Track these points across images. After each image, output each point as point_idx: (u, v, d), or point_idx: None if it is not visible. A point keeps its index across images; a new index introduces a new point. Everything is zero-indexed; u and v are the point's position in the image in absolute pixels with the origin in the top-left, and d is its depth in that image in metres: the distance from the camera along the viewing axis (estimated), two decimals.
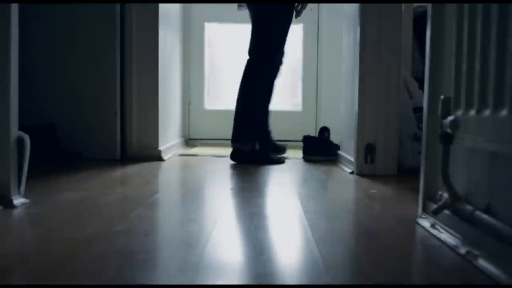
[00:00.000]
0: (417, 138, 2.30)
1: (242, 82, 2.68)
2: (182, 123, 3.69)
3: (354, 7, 2.38)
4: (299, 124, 2.96)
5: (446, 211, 1.19)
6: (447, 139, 1.14)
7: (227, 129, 3.58)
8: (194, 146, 3.69)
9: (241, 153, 2.66)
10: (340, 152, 2.73)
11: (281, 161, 2.74)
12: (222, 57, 3.92)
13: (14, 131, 1.47)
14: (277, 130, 3.42)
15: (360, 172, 2.27)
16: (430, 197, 1.33)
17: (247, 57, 2.72)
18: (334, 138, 2.91)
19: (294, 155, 3.02)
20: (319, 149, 2.86)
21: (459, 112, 1.10)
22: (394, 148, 2.27)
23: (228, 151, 3.18)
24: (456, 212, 1.14)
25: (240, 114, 2.69)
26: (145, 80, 2.73)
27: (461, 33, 1.11)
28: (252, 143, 2.67)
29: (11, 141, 1.45)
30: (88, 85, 2.65)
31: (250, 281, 0.91)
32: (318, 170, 2.48)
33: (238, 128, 2.69)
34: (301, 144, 2.94)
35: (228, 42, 3.89)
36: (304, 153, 2.89)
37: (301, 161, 2.84)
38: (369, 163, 2.26)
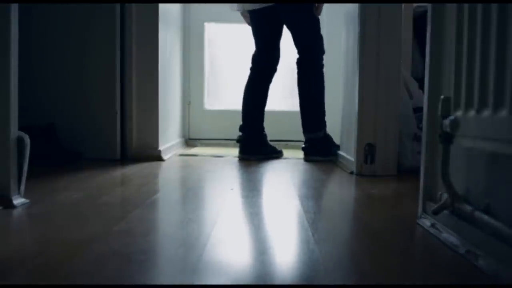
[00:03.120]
0: (417, 138, 2.30)
1: (308, 83, 2.88)
2: (182, 123, 3.69)
3: (354, 7, 2.38)
4: (299, 124, 2.96)
5: (446, 211, 1.19)
6: (447, 139, 1.14)
7: (227, 129, 3.60)
8: (194, 146, 3.69)
9: (315, 142, 2.86)
10: (340, 152, 2.73)
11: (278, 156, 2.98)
12: (222, 57, 3.92)
13: (14, 131, 1.46)
14: (277, 130, 3.43)
15: (360, 172, 2.26)
16: (430, 197, 1.33)
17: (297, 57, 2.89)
18: (334, 138, 2.91)
19: (294, 155, 3.02)
20: (319, 149, 2.86)
21: (459, 112, 1.10)
22: (394, 148, 2.27)
23: (228, 151, 3.19)
24: (456, 212, 1.14)
25: (311, 109, 2.89)
26: (145, 80, 2.73)
27: (461, 33, 1.11)
28: (324, 130, 2.90)
29: (11, 141, 1.45)
30: (88, 85, 2.65)
31: (249, 281, 0.90)
32: (318, 170, 2.48)
33: (311, 119, 2.89)
34: (301, 144, 2.94)
35: (228, 42, 3.89)
36: (305, 153, 2.89)
37: (301, 161, 2.84)
38: (369, 163, 2.26)
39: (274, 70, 2.98)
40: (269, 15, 2.86)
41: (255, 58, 2.98)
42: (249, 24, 3.00)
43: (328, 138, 2.89)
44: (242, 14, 3.01)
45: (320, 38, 2.86)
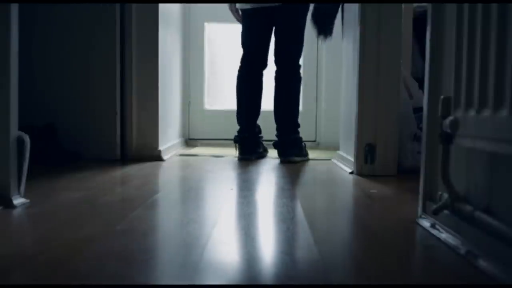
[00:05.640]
0: (417, 138, 2.30)
1: (289, 87, 2.87)
2: (182, 123, 3.69)
3: (354, 7, 2.38)
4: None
5: (446, 211, 1.19)
6: (447, 139, 1.14)
7: (227, 129, 3.59)
8: (194, 146, 3.69)
9: (290, 142, 2.84)
10: (340, 152, 2.73)
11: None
12: (222, 57, 3.92)
13: (14, 131, 1.46)
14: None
15: (360, 172, 2.27)
16: (430, 197, 1.33)
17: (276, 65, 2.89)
18: (334, 138, 2.91)
19: None
20: (297, 150, 2.85)
21: (459, 112, 1.10)
22: (394, 148, 2.27)
23: (228, 151, 3.19)
24: (456, 212, 1.14)
25: (289, 115, 2.88)
26: (145, 80, 2.73)
27: (461, 33, 1.11)
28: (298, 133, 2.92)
29: (11, 141, 1.45)
30: (88, 85, 2.65)
31: (249, 281, 0.91)
32: (318, 170, 2.48)
33: (291, 122, 2.88)
34: None
35: (228, 42, 3.89)
36: (280, 153, 2.85)
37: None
38: (369, 163, 2.26)
39: (265, 65, 2.93)
40: (264, 16, 2.83)
41: (246, 57, 2.93)
42: (238, 20, 2.97)
43: (301, 139, 2.91)
44: (231, 9, 2.98)
45: (302, 49, 2.90)
